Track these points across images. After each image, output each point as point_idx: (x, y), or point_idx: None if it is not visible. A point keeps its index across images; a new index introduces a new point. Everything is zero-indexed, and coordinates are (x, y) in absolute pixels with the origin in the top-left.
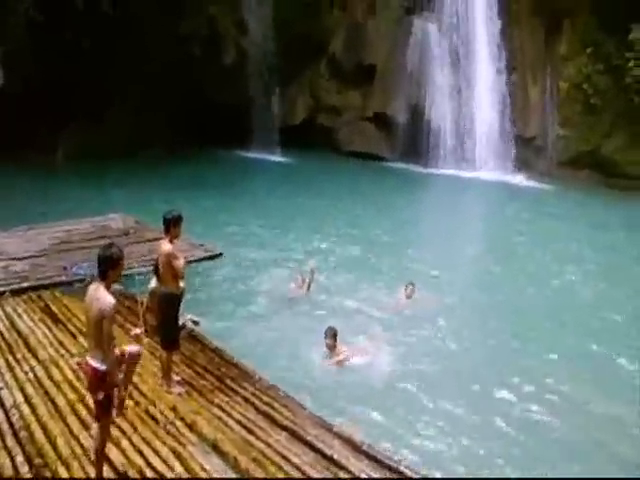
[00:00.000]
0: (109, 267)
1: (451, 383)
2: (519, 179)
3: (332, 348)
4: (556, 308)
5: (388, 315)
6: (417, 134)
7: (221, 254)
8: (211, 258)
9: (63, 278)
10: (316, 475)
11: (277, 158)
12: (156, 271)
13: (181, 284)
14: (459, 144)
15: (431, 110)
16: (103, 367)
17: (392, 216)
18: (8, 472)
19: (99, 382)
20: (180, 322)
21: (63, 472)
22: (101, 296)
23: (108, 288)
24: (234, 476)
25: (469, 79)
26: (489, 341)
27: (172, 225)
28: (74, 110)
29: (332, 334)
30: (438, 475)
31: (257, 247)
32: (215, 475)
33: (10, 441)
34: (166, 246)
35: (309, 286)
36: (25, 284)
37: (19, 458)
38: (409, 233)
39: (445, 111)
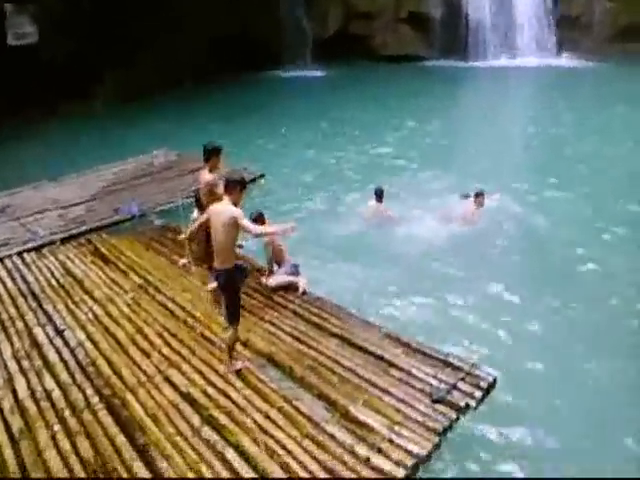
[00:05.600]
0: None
1: None
2: (565, 61)
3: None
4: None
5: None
6: (455, 28)
7: (263, 175)
8: (253, 180)
9: (115, 218)
10: (367, 375)
11: (313, 73)
12: (197, 201)
13: None
14: (500, 32)
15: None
16: None
17: (442, 115)
18: (81, 404)
19: None
20: None
21: (131, 399)
22: None
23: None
24: (291, 384)
25: None
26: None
27: (211, 155)
28: (108, 55)
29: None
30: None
31: (302, 167)
32: (272, 384)
33: (79, 377)
34: (206, 175)
35: None
36: (84, 228)
37: (89, 391)
38: (461, 132)
39: None
